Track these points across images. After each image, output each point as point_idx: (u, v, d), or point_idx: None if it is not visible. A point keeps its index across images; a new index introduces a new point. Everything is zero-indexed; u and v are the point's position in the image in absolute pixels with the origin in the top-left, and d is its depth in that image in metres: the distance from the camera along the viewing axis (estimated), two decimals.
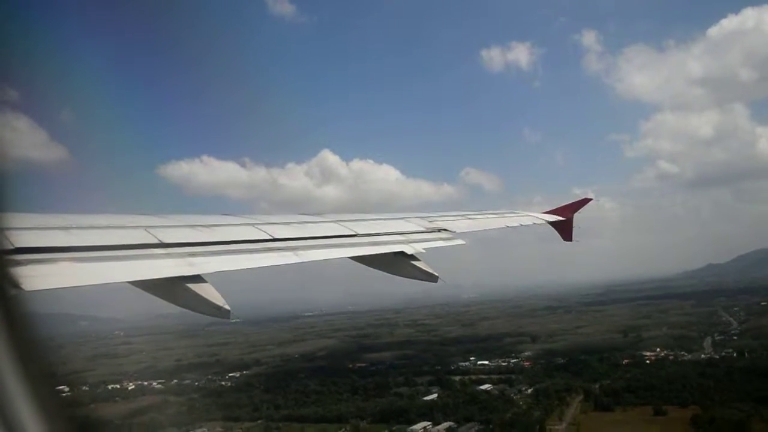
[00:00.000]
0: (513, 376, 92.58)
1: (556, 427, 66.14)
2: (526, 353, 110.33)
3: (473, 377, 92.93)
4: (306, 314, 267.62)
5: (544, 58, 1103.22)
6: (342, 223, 7.72)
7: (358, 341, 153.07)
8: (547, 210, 13.62)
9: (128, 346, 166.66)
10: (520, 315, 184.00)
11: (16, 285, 3.31)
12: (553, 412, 71.50)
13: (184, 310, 5.03)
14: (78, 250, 4.58)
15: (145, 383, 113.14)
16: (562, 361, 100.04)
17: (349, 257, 6.94)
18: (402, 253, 7.38)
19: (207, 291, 4.93)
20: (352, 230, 7.54)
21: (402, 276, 7.32)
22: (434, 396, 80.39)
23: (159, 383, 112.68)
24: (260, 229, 6.54)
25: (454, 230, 8.99)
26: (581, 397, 75.98)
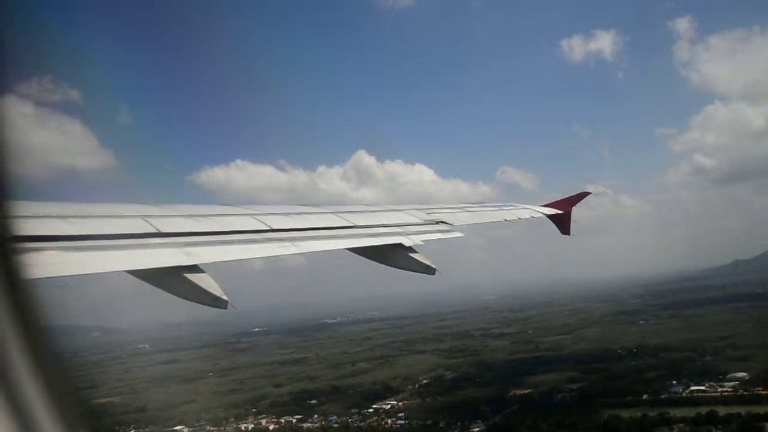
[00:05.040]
0: None
1: None
2: (737, 374, 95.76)
3: (742, 412, 77.44)
4: (329, 320, 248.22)
5: (629, 46, 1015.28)
6: (340, 215, 7.67)
7: (468, 359, 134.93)
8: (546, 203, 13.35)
9: (178, 365, 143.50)
10: (609, 322, 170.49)
11: (21, 274, 3.08)
12: None
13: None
14: (75, 239, 4.48)
15: (293, 420, 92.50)
16: None
17: (346, 248, 6.88)
18: (400, 245, 7.26)
19: (205, 281, 4.84)
20: (350, 222, 7.50)
21: (399, 268, 7.13)
22: None
23: (298, 419, 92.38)
24: (258, 220, 6.44)
25: (452, 222, 8.80)
26: None
